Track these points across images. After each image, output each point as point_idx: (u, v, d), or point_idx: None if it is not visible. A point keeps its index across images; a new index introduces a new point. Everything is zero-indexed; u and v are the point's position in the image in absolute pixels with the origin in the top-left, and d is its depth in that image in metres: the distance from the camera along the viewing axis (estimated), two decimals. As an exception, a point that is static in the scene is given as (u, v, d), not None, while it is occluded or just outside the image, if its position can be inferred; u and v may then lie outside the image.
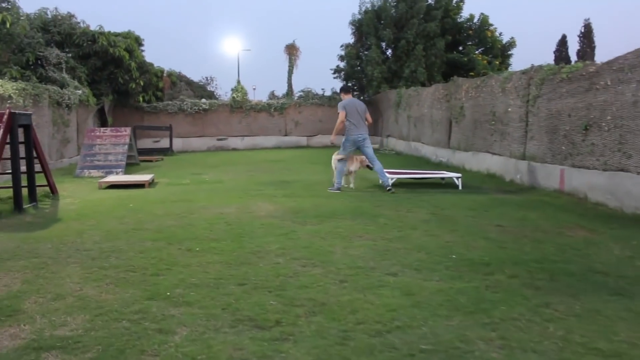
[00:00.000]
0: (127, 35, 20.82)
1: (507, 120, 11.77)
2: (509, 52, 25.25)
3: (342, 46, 25.90)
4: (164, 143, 21.85)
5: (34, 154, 8.54)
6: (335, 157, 10.49)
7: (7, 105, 10.95)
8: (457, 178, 10.47)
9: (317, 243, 5.74)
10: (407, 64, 22.94)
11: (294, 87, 26.71)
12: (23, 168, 8.19)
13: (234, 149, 23.32)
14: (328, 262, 5.00)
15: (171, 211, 7.72)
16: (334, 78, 26.44)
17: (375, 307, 3.82)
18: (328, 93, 25.34)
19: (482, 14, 24.64)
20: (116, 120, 21.06)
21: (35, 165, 8.58)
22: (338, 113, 10.22)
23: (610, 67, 8.32)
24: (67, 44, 18.54)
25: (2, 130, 7.64)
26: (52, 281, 4.38)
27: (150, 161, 17.38)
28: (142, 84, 20.81)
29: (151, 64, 22.68)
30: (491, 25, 24.73)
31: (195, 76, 35.82)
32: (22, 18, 15.88)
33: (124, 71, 19.61)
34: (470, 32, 24.76)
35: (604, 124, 8.44)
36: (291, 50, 26.28)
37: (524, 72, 11.22)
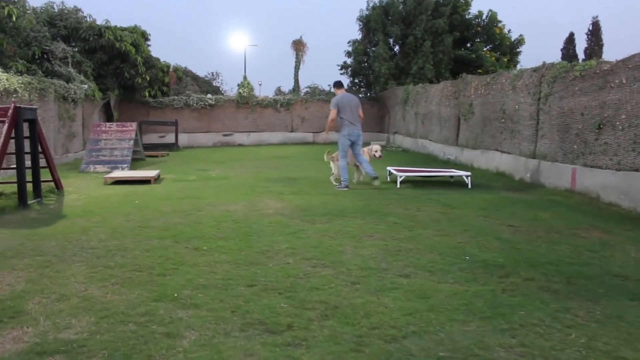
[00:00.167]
0: (134, 29, 20.69)
1: (517, 118, 11.61)
2: (518, 50, 25.04)
3: (349, 42, 25.74)
4: (170, 138, 21.76)
5: (39, 149, 8.45)
6: (327, 156, 10.40)
7: (13, 99, 10.86)
8: (467, 176, 10.32)
9: (326, 242, 5.62)
10: (415, 60, 22.77)
11: (300, 83, 26.57)
12: (28, 163, 8.10)
13: (240, 145, 23.21)
14: (339, 262, 4.88)
15: (177, 208, 7.61)
16: (341, 74, 26.26)
17: (389, 311, 3.70)
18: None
19: (490, 10, 24.45)
20: (122, 115, 20.98)
21: (40, 160, 8.49)
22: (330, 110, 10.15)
23: (626, 65, 8.15)
24: (74, 38, 18.43)
25: (7, 124, 7.54)
26: (57, 281, 4.27)
27: (156, 156, 17.28)
28: (148, 78, 20.69)
29: (157, 59, 22.56)
30: (500, 21, 24.52)
31: (200, 72, 35.72)
32: (28, 12, 15.77)
33: (130, 66, 19.50)
34: (479, 28, 24.55)
35: (618, 123, 8.27)
36: (298, 46, 26.12)
37: (535, 69, 11.05)
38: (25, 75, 13.33)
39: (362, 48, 25.08)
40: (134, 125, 14.47)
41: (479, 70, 22.14)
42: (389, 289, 4.16)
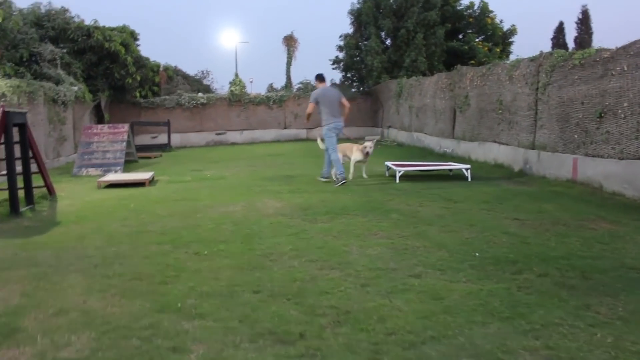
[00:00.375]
0: (122, 29, 20.40)
1: (514, 108, 11.47)
2: (510, 40, 24.93)
3: (341, 36, 25.56)
4: (162, 139, 21.50)
5: (30, 154, 8.22)
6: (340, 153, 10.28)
7: (1, 103, 10.60)
8: (467, 169, 10.18)
9: (331, 242, 5.46)
10: (408, 53, 22.61)
11: (292, 79, 26.36)
12: (19, 169, 7.88)
13: (233, 143, 22.99)
14: (345, 263, 4.71)
15: (174, 211, 7.42)
16: (333, 69, 26.10)
17: (404, 315, 3.54)
18: (328, 84, 24.97)
19: (482, 1, 24.29)
20: (113, 117, 20.69)
21: (32, 166, 8.26)
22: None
23: (627, 52, 8.02)
24: (62, 39, 18.13)
25: (-4, 130, 7.31)
26: (54, 293, 4.07)
27: (149, 158, 17.05)
28: (138, 79, 20.44)
29: (147, 59, 22.27)
30: (491, 12, 24.39)
31: (190, 70, 35.36)
32: (15, 13, 15.50)
33: (120, 66, 19.22)
34: (471, 19, 24.40)
35: (620, 111, 8.15)
36: (289, 42, 25.91)
37: (532, 59, 10.91)
38: (14, 78, 13.05)
39: (353, 42, 24.90)
40: (126, 126, 14.23)
41: (472, 62, 21.99)
42: (401, 291, 4.00)
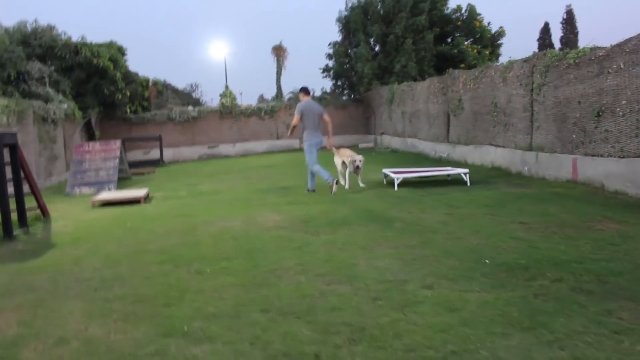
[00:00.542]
0: (110, 45, 20.24)
1: (510, 110, 11.41)
2: (499, 42, 24.97)
3: (329, 44, 25.52)
4: (154, 154, 21.32)
5: (22, 175, 8.03)
6: (339, 158, 10.23)
7: (-10, 125, 10.42)
8: (465, 174, 10.08)
9: (336, 255, 5.31)
10: (398, 59, 22.57)
11: (283, 89, 26.28)
12: (10, 190, 7.68)
13: (226, 156, 22.81)
14: (354, 277, 4.57)
15: (172, 228, 7.25)
16: (324, 77, 26.04)
17: (421, 329, 3.40)
18: (318, 93, 24.93)
19: (469, 4, 24.34)
20: (104, 133, 20.49)
21: (24, 187, 8.06)
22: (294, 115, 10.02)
23: (623, 49, 7.96)
24: (49, 56, 17.96)
25: (-14, 152, 7.13)
26: (53, 321, 3.90)
27: (142, 174, 16.85)
28: (128, 94, 20.27)
29: (136, 74, 22.10)
30: (479, 14, 24.43)
31: (179, 84, 35.26)
32: (0, 32, 15.29)
33: (109, 82, 19.05)
34: (459, 23, 24.43)
35: (618, 109, 8.09)
36: (278, 52, 25.84)
37: (525, 60, 10.86)
38: (2, 97, 12.85)
39: (343, 50, 24.87)
40: (118, 143, 14.04)
41: (462, 65, 21.98)
42: (414, 303, 3.86)
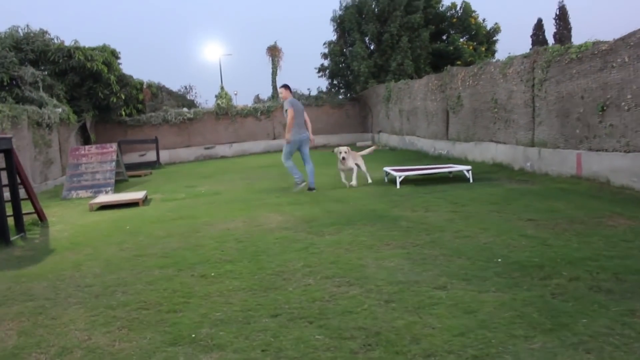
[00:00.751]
0: (103, 49, 20.02)
1: (510, 106, 11.31)
2: (494, 38, 24.91)
3: (324, 44, 25.39)
4: (151, 156, 21.14)
5: (18, 180, 7.86)
6: (344, 162, 10.15)
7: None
8: (467, 171, 9.96)
9: (343, 256, 5.18)
10: (394, 57, 22.48)
11: (279, 89, 26.07)
12: (7, 195, 7.52)
13: (223, 157, 22.66)
14: (364, 278, 4.43)
15: (173, 231, 7.10)
16: (319, 77, 25.93)
17: (438, 332, 3.27)
18: (314, 93, 24.78)
19: (464, 1, 24.26)
20: (99, 137, 20.29)
21: (20, 191, 7.90)
22: (286, 110, 10.08)
23: (627, 42, 7.86)
24: (42, 61, 17.75)
25: (-20, 157, 6.97)
26: (54, 330, 3.74)
27: (139, 176, 16.68)
28: (123, 97, 20.06)
29: (130, 77, 21.90)
30: (474, 11, 24.36)
31: (173, 86, 35.02)
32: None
33: (104, 85, 18.85)
34: (454, 20, 24.35)
35: (623, 103, 7.98)
36: (273, 52, 25.67)
37: (526, 55, 10.76)
38: (-5, 103, 12.66)
39: (338, 49, 24.75)
40: (114, 146, 13.86)
41: (458, 62, 21.91)
42: (429, 305, 3.73)
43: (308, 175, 10.14)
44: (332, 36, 25.46)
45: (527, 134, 10.71)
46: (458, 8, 24.44)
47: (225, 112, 23.06)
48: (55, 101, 16.25)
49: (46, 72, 17.40)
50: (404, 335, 3.26)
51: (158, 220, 8.03)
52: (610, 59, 8.19)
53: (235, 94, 45.16)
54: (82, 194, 12.05)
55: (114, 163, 13.22)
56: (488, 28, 24.85)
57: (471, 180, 9.78)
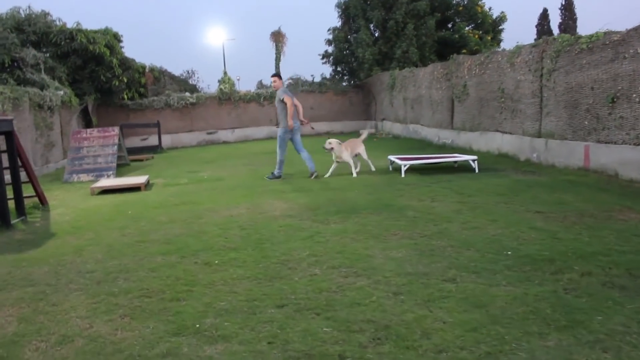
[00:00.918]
0: (105, 32, 19.79)
1: (517, 96, 11.16)
2: (500, 27, 24.64)
3: (329, 30, 25.12)
4: (152, 140, 21.00)
5: (19, 163, 7.75)
6: (334, 153, 10.06)
7: (-15, 110, 10.12)
8: (473, 161, 9.85)
9: (350, 246, 5.09)
10: (399, 44, 22.24)
11: (282, 75, 25.84)
12: (7, 178, 7.42)
13: (225, 142, 22.51)
14: (371, 269, 4.34)
15: (176, 217, 7.00)
16: (323, 63, 25.68)
17: (449, 327, 3.18)
18: (318, 79, 24.57)
19: (470, -11, 23.97)
20: (101, 120, 20.13)
21: (21, 174, 7.80)
22: (282, 99, 10.26)
23: (639, 33, 7.71)
24: (44, 43, 17.55)
25: (-19, 138, 6.85)
26: (55, 317, 3.66)
27: (141, 160, 16.57)
28: (125, 80, 19.89)
29: (133, 60, 21.69)
30: (480, 0, 24.06)
31: (176, 70, 34.79)
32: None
33: (106, 68, 18.67)
34: (460, 8, 24.07)
35: (634, 95, 7.85)
36: (277, 38, 25.40)
37: (534, 45, 10.60)
38: (-4, 84, 12.52)
39: (342, 35, 24.49)
40: (116, 129, 13.74)
41: (464, 51, 21.65)
42: (439, 299, 3.64)
43: (307, 162, 10.16)
44: (337, 22, 25.20)
45: (534, 125, 10.58)
46: (464, -4, 24.16)
47: (228, 97, 22.87)
48: (57, 83, 16.09)
49: (48, 54, 17.21)
50: (414, 330, 3.17)
51: (160, 206, 7.93)
52: (622, 49, 8.05)
53: (238, 79, 44.94)
54: (84, 177, 11.95)
55: (115, 147, 13.11)
56: (494, 17, 24.55)
57: (477, 171, 9.67)
